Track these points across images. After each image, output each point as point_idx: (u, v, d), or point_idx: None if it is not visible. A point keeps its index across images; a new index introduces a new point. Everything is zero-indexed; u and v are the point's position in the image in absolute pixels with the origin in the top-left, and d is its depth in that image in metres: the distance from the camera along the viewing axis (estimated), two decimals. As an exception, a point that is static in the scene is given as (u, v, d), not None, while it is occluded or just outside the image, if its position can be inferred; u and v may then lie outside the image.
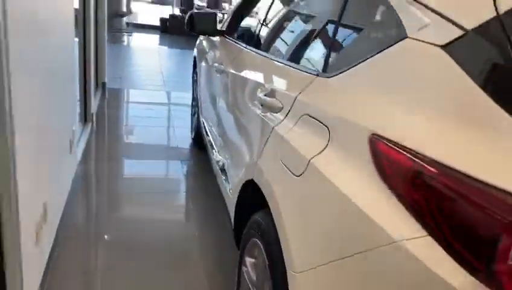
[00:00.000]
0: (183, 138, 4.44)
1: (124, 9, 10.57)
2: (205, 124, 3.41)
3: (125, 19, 10.87)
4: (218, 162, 2.68)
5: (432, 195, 0.89)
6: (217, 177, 2.70)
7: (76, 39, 3.98)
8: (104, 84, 5.60)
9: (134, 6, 14.12)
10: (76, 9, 4.00)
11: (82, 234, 2.65)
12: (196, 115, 4.03)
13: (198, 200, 3.27)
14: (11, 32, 1.47)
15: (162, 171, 3.89)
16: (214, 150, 2.90)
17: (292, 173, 1.36)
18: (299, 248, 1.31)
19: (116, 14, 10.51)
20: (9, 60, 1.47)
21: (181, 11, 11.75)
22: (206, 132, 3.31)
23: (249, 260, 1.82)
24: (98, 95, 5.27)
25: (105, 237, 2.66)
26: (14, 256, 1.73)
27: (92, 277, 2.31)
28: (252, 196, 1.76)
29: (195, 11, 3.30)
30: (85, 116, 4.26)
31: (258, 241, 1.67)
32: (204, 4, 12.01)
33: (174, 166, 3.87)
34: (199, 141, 3.86)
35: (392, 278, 0.95)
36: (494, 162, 0.85)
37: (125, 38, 10.76)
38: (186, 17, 3.12)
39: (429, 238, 0.88)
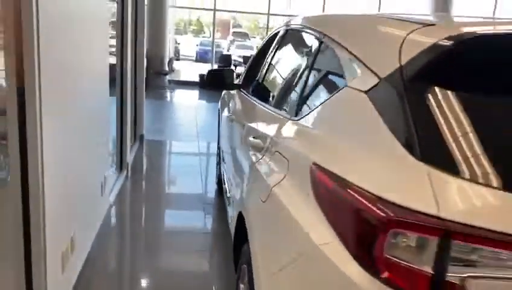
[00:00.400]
0: (209, 185, 4.75)
1: (166, 68, 11.37)
2: (224, 170, 3.71)
3: (167, 77, 11.66)
4: (228, 198, 2.95)
5: (336, 208, 1.12)
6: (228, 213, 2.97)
7: (114, 96, 4.49)
8: (142, 136, 6.08)
9: (177, 64, 15.12)
10: (114, 70, 4.54)
11: (105, 268, 2.95)
12: (219, 164, 4.35)
13: (218, 243, 3.51)
14: (44, 88, 1.85)
15: (183, 215, 4.17)
16: (227, 191, 3.18)
17: (261, 200, 1.60)
18: (264, 266, 1.53)
19: (159, 73, 11.32)
20: (42, 119, 1.84)
21: (219, 67, 12.48)
22: (224, 178, 3.60)
23: (241, 287, 2.02)
24: (136, 146, 5.75)
25: (125, 273, 2.93)
26: (40, 281, 2.04)
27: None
28: (242, 227, 2.00)
29: (214, 68, 3.69)
30: (121, 165, 4.68)
31: (246, 268, 1.89)
32: (241, 60, 12.71)
33: (196, 212, 4.14)
34: (221, 188, 4.15)
35: (316, 274, 1.16)
36: (387, 181, 1.08)
37: (167, 94, 11.50)
38: (206, 74, 3.50)
39: (338, 243, 1.10)
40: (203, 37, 23.57)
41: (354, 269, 1.04)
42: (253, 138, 2.06)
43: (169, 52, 12.53)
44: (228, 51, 18.63)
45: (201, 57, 19.36)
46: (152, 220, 3.95)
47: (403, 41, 1.25)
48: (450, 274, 0.95)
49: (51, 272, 2.11)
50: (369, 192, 1.06)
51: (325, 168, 1.24)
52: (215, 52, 14.57)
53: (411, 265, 0.98)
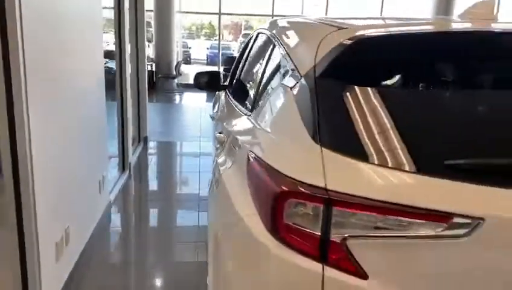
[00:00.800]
0: (205, 183, 4.97)
1: (174, 72, 11.66)
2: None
3: (176, 81, 11.95)
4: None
5: (255, 184, 1.32)
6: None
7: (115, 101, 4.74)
8: (145, 138, 6.33)
9: (188, 68, 15.42)
10: (113, 74, 4.80)
11: (101, 261, 3.19)
12: (214, 161, 4.57)
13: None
14: (31, 94, 2.08)
15: (181, 211, 4.40)
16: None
17: (215, 187, 1.81)
18: (212, 236, 1.74)
19: (167, 77, 11.62)
20: (30, 119, 2.07)
21: (224, 69, 12.71)
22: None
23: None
24: (140, 147, 6.01)
25: (120, 265, 3.17)
26: (34, 267, 2.27)
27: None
28: None
29: (201, 70, 3.90)
30: (123, 165, 4.93)
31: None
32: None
33: (192, 207, 4.36)
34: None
35: (241, 240, 1.37)
36: (291, 161, 1.27)
37: (176, 97, 11.78)
38: (194, 76, 3.72)
39: (255, 214, 1.29)
40: (215, 40, 23.88)
41: (264, 234, 1.23)
42: (219, 133, 2.27)
43: (177, 56, 12.80)
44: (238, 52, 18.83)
45: (211, 60, 19.63)
46: (151, 217, 4.18)
47: (320, 43, 1.43)
48: (333, 235, 1.14)
49: (44, 260, 2.34)
50: (275, 169, 1.26)
51: (256, 154, 1.43)
52: (225, 54, 14.85)
53: (305, 229, 1.17)
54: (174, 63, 11.86)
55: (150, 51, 12.37)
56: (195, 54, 21.45)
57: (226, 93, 3.42)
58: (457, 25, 1.64)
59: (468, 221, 1.08)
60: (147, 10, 13.64)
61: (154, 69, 11.73)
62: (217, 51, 18.34)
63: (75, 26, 2.87)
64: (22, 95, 2.00)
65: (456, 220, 1.08)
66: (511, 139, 1.21)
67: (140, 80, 6.09)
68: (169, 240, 3.62)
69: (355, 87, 1.29)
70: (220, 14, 13.44)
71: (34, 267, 2.27)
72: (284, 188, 1.20)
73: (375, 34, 1.40)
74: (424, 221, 1.10)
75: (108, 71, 4.88)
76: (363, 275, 1.14)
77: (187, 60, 17.56)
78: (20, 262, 2.24)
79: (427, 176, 1.12)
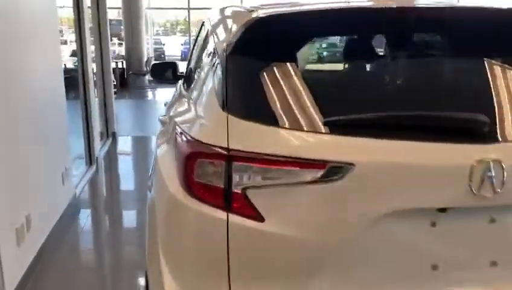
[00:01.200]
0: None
1: (145, 68, 11.73)
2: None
3: (147, 77, 12.02)
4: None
5: (176, 150, 1.51)
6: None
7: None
8: (114, 133, 6.46)
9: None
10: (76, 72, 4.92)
11: (65, 247, 3.34)
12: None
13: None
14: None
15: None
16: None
17: (153, 163, 1.98)
18: (151, 197, 1.92)
19: (138, 74, 11.69)
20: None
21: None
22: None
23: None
24: (109, 142, 6.15)
25: (84, 251, 3.32)
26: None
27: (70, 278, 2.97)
28: None
29: (156, 62, 4.04)
30: (90, 159, 5.06)
31: None
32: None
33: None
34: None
35: (164, 196, 1.56)
36: (202, 127, 1.46)
37: (149, 93, 11.87)
38: (150, 67, 3.87)
39: (175, 175, 1.47)
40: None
41: (180, 191, 1.43)
42: (163, 116, 2.43)
43: (147, 52, 12.86)
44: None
45: (185, 56, 19.68)
46: (117, 208, 4.34)
47: (231, 26, 1.62)
48: (234, 186, 1.34)
49: (4, 244, 2.49)
50: (188, 135, 1.45)
51: (179, 126, 1.61)
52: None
53: (212, 184, 1.36)
54: (145, 60, 11.93)
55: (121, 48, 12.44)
56: (171, 51, 21.44)
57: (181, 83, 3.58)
58: (345, 4, 1.85)
59: (341, 166, 1.27)
60: (115, 8, 13.52)
61: (125, 66, 11.77)
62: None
63: (28, 26, 2.99)
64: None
65: (332, 165, 1.28)
66: (377, 100, 1.44)
67: (105, 77, 6.20)
68: (132, 229, 3.78)
69: (255, 61, 1.48)
70: (188, 8, 13.53)
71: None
72: (194, 150, 1.39)
73: (269, 14, 1.59)
74: (306, 169, 1.30)
75: (76, 70, 5.02)
76: (261, 219, 1.33)
77: (160, 57, 17.58)
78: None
79: (310, 133, 1.32)
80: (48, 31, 3.54)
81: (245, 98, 1.44)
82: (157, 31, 24.58)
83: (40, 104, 3.23)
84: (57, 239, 3.31)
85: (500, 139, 1.33)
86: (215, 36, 1.84)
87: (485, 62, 1.49)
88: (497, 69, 1.47)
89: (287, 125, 1.36)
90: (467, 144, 1.31)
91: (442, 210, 1.35)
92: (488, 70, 1.47)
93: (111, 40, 14.86)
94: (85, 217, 4.00)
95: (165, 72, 3.82)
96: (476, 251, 1.41)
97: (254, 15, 1.59)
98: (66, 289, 2.83)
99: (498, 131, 1.34)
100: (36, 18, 3.25)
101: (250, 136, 1.36)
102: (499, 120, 1.36)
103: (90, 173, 4.90)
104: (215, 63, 1.63)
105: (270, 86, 1.43)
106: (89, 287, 2.86)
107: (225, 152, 1.34)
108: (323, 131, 1.34)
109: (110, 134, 6.35)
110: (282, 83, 1.43)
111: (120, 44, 13.26)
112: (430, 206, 1.35)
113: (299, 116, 1.37)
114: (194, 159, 1.39)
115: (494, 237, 1.41)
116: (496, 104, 1.40)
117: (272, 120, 1.36)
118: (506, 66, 1.49)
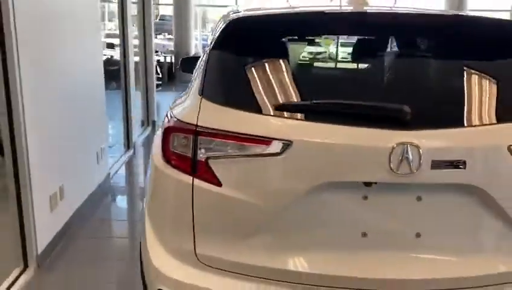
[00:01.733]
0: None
1: (191, 62, 12.24)
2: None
3: (194, 71, 12.59)
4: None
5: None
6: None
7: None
8: (154, 121, 6.95)
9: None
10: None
11: (93, 220, 3.78)
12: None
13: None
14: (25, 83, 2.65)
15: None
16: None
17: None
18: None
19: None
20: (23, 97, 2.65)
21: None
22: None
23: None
24: (148, 130, 6.65)
25: (111, 224, 3.74)
26: (29, 212, 2.85)
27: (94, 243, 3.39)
28: None
29: (186, 56, 4.40)
30: (128, 144, 5.55)
31: None
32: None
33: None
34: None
35: (153, 170, 1.84)
36: (183, 109, 1.76)
37: (195, 87, 12.43)
38: (179, 62, 4.23)
39: (160, 151, 1.78)
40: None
41: (160, 160, 1.73)
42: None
43: (195, 48, 13.42)
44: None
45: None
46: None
47: (219, 26, 1.92)
48: (199, 156, 1.63)
49: (39, 208, 2.92)
50: (171, 114, 1.75)
51: (170, 109, 1.93)
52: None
53: (182, 153, 1.66)
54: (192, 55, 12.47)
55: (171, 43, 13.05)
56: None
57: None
58: (314, 8, 2.09)
59: (281, 143, 1.54)
60: (167, 4, 14.10)
61: (173, 60, 12.35)
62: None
63: (67, 25, 3.44)
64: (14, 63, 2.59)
65: (274, 142, 1.55)
66: (318, 91, 1.73)
67: (148, 69, 6.68)
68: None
69: (227, 56, 1.78)
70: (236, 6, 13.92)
71: (29, 212, 2.84)
72: (171, 125, 1.70)
73: (240, 16, 1.88)
74: (255, 144, 1.58)
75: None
76: (219, 183, 1.62)
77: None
78: (18, 207, 2.82)
79: (260, 115, 1.60)
80: (90, 27, 3.99)
81: (214, 86, 1.74)
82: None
83: (81, 92, 3.68)
84: (87, 211, 3.73)
85: (421, 127, 1.53)
86: (212, 34, 2.15)
87: (420, 60, 1.71)
88: (430, 67, 1.69)
89: (246, 110, 1.64)
90: (391, 130, 1.53)
91: (368, 184, 1.58)
92: (421, 68, 1.69)
93: (164, 35, 15.53)
94: (116, 195, 4.44)
95: (194, 65, 4.17)
96: (402, 223, 1.62)
97: (234, 17, 1.88)
98: (91, 255, 3.22)
99: (419, 120, 1.53)
100: (80, 17, 3.69)
101: (215, 116, 1.65)
102: (421, 110, 1.56)
103: (127, 156, 5.37)
104: (206, 57, 1.93)
105: (234, 76, 1.72)
106: (113, 255, 3.25)
107: (193, 128, 1.63)
108: (271, 114, 1.61)
109: (150, 122, 6.84)
110: (243, 74, 1.72)
111: (170, 39, 13.89)
112: (357, 180, 1.58)
113: (253, 101, 1.65)
114: (170, 132, 1.70)
115: (420, 213, 1.61)
116: (420, 97, 1.62)
117: (233, 104, 1.65)
118: (440, 65, 1.70)
